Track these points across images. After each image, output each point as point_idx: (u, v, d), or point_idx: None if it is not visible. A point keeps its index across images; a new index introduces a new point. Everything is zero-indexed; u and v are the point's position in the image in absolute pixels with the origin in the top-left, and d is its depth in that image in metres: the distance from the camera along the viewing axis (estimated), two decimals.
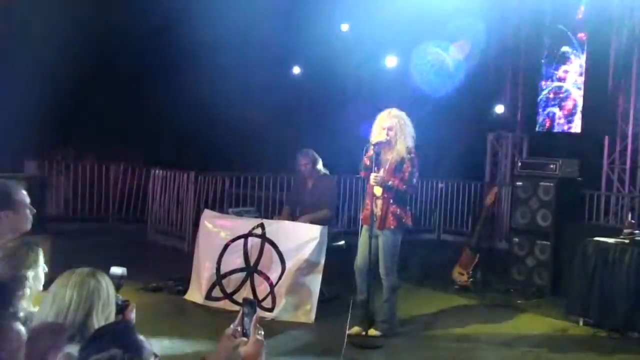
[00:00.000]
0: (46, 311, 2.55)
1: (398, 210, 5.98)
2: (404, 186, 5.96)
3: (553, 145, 11.25)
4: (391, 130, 5.93)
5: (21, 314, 2.81)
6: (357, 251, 6.16)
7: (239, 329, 2.32)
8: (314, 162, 7.36)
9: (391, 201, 5.96)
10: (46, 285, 2.98)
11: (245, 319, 2.31)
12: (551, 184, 8.15)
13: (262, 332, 2.34)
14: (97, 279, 2.58)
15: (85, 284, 2.54)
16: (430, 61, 12.29)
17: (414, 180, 6.05)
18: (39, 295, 2.92)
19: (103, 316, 2.53)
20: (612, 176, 10.65)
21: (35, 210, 3.57)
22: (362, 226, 6.16)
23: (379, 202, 5.99)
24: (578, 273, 6.76)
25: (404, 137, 5.98)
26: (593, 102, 11.12)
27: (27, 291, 2.86)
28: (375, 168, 5.94)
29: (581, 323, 6.67)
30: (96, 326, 2.47)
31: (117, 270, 3.02)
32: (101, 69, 13.59)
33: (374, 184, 5.91)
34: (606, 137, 10.73)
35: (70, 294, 2.52)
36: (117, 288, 2.87)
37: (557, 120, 11.91)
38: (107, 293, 2.59)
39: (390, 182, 5.90)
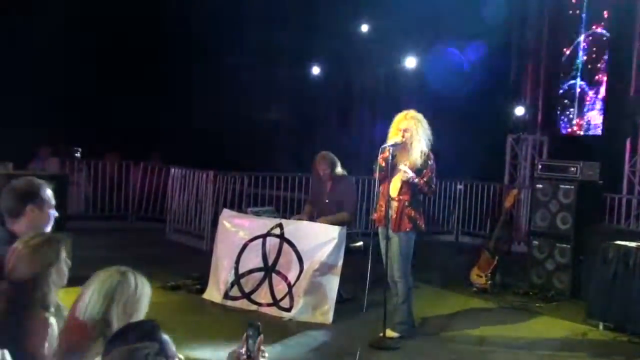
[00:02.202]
0: (75, 307, 2.58)
1: (413, 212, 5.96)
2: (427, 187, 5.97)
3: (573, 147, 11.17)
4: (407, 132, 5.92)
5: (52, 309, 2.84)
6: (374, 254, 6.15)
7: (244, 351, 2.32)
8: (333, 166, 7.35)
9: (406, 203, 5.95)
10: (69, 281, 3.01)
11: (250, 341, 2.32)
12: (571, 187, 8.09)
13: (267, 355, 2.35)
14: (125, 277, 2.58)
15: (107, 280, 2.56)
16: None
17: (432, 186, 6.08)
18: (61, 290, 2.95)
19: (125, 315, 2.53)
20: (633, 179, 10.55)
21: (57, 214, 3.62)
22: (378, 227, 6.17)
23: (394, 204, 5.96)
24: (598, 277, 6.71)
25: (420, 139, 5.97)
26: (615, 104, 11.04)
27: (52, 287, 2.89)
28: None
29: (601, 327, 6.61)
30: (115, 324, 2.48)
31: None
32: (122, 68, 13.68)
33: (404, 178, 5.88)
34: (628, 140, 10.64)
35: (91, 291, 2.54)
36: None
37: (577, 123, 11.82)
38: (133, 292, 2.58)
39: (417, 180, 5.89)
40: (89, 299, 2.53)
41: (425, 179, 5.95)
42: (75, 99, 13.28)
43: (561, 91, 11.96)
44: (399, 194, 5.96)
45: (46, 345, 2.69)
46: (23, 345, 2.64)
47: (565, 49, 11.85)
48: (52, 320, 2.76)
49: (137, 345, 1.91)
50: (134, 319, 2.54)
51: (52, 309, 2.81)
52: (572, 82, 11.80)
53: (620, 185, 10.51)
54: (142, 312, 2.61)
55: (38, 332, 2.70)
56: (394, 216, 5.94)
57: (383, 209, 6.00)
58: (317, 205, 7.52)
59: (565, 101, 11.95)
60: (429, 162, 5.99)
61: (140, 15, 13.74)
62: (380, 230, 6.11)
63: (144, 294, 2.62)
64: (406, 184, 5.93)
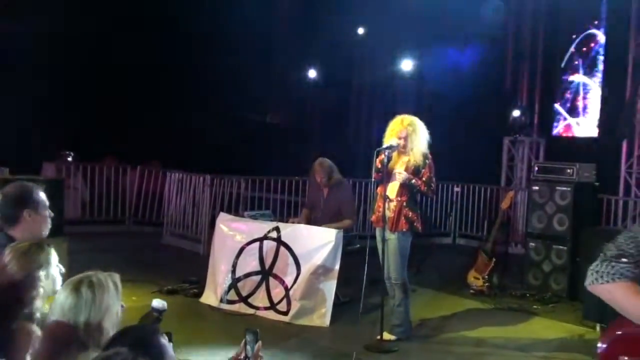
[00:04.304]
0: (52, 316, 2.57)
1: (410, 213, 5.98)
2: (425, 187, 5.98)
3: (570, 149, 11.18)
4: (404, 138, 5.96)
5: (37, 315, 2.82)
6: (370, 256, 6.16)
7: (242, 357, 2.34)
8: (330, 174, 7.35)
9: (404, 204, 5.97)
10: None
11: (248, 347, 2.33)
12: (568, 189, 8.10)
13: None
14: (79, 293, 2.55)
15: (80, 293, 2.53)
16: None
17: (432, 185, 6.08)
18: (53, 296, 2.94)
19: (97, 323, 2.52)
20: (629, 181, 10.57)
21: (53, 214, 3.61)
22: (376, 229, 6.19)
23: (392, 204, 5.99)
24: None
25: (419, 143, 6.00)
26: (611, 106, 11.06)
27: (41, 291, 2.86)
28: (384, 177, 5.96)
29: (598, 328, 6.61)
30: (105, 330, 2.48)
31: (157, 304, 3.02)
32: (118, 72, 13.68)
33: (400, 180, 5.92)
34: (624, 142, 10.66)
35: (68, 301, 2.52)
36: (157, 321, 2.87)
37: (574, 125, 11.85)
38: (107, 298, 2.56)
39: (413, 181, 5.91)
40: (67, 310, 2.52)
41: (423, 179, 5.97)
42: (71, 101, 13.29)
43: (557, 93, 11.98)
44: (397, 195, 5.99)
45: (28, 355, 2.67)
46: (5, 351, 2.62)
47: (561, 51, 11.87)
48: (36, 329, 2.73)
49: (106, 353, 1.92)
50: (108, 321, 2.52)
51: (38, 316, 2.79)
52: (568, 84, 11.82)
53: (616, 186, 10.53)
54: (112, 313, 2.57)
55: (20, 340, 2.68)
56: (392, 216, 5.96)
57: (381, 210, 6.02)
58: (315, 210, 7.51)
59: (562, 103, 11.97)
60: (427, 161, 6.01)
61: (137, 17, 13.75)
62: (377, 231, 6.14)
63: (105, 299, 2.58)
64: (404, 185, 5.95)
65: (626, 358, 2.09)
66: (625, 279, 2.17)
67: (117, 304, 2.59)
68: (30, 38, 12.48)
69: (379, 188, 6.13)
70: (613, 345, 2.17)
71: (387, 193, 6.00)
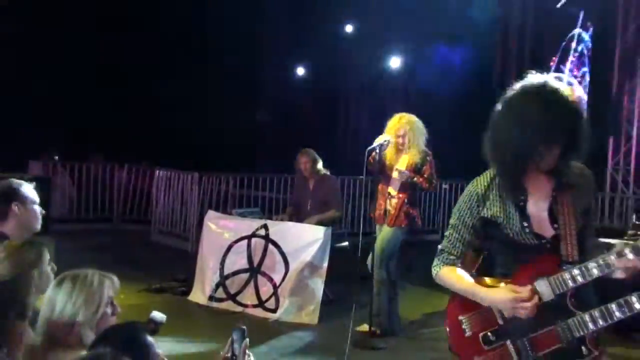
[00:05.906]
0: (42, 312, 2.57)
1: (411, 210, 6.04)
2: (427, 184, 6.00)
3: None
4: (402, 136, 5.99)
5: (29, 313, 2.81)
6: (360, 252, 6.16)
7: (229, 355, 2.34)
8: (314, 162, 7.38)
9: (405, 201, 6.01)
10: None
11: (235, 345, 2.33)
12: None
13: (252, 359, 2.36)
14: (75, 281, 2.56)
15: (60, 287, 2.54)
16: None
17: (433, 182, 6.10)
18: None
19: (85, 318, 2.52)
20: (616, 177, 10.63)
21: (44, 211, 3.60)
22: (376, 226, 6.22)
23: (394, 201, 6.04)
24: None
25: (417, 140, 6.03)
26: (597, 102, 11.11)
27: (33, 290, 2.85)
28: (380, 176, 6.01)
29: None
30: (78, 326, 2.48)
31: (157, 315, 3.02)
32: (106, 70, 13.62)
33: (400, 179, 5.94)
34: (610, 138, 10.72)
35: (49, 295, 2.54)
36: (152, 333, 2.87)
37: None
38: (85, 294, 2.57)
39: (415, 179, 5.94)
40: (54, 306, 2.55)
41: (425, 176, 6.01)
42: (59, 100, 13.22)
43: None
44: (399, 192, 6.03)
45: (20, 353, 2.66)
46: None
47: (549, 48, 11.92)
48: (28, 328, 2.73)
49: (92, 352, 1.92)
50: (82, 317, 2.52)
51: (29, 313, 2.79)
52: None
53: (603, 183, 10.59)
54: (88, 310, 2.57)
55: (12, 338, 2.68)
56: (392, 212, 6.02)
57: (382, 207, 6.06)
58: (301, 205, 7.52)
59: None
60: (428, 158, 6.05)
61: (126, 17, 13.70)
62: (377, 228, 6.17)
63: (82, 294, 2.57)
64: (405, 183, 5.98)
65: (462, 316, 2.72)
66: (447, 265, 2.83)
67: (95, 302, 2.58)
68: (20, 38, 12.42)
69: (380, 185, 6.16)
70: (452, 309, 2.78)
71: (389, 189, 6.06)
